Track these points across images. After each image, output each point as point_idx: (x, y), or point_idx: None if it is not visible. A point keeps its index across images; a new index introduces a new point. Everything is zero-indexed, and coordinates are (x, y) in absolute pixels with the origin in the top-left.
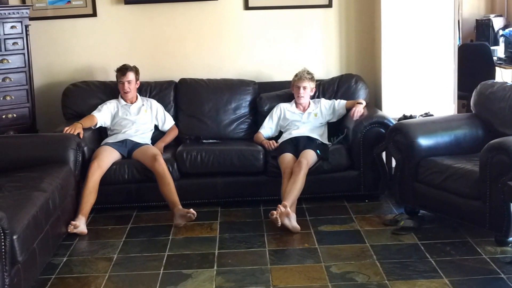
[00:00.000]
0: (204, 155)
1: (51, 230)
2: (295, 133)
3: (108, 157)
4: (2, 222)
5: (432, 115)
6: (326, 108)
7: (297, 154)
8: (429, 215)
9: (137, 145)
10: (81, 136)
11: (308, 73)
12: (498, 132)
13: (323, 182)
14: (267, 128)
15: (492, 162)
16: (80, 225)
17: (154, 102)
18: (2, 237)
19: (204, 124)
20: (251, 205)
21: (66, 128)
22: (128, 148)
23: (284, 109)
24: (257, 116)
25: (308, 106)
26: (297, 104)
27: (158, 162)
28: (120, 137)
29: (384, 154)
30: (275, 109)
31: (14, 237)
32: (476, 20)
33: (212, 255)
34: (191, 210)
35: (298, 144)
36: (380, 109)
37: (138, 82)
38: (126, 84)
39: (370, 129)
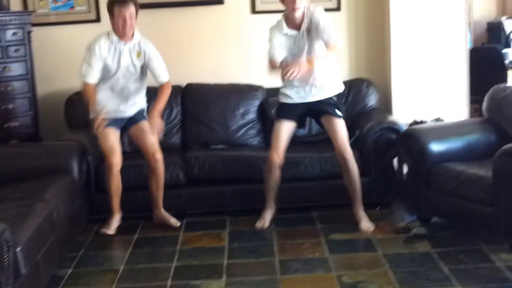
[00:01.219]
0: (213, 160)
1: (55, 242)
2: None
3: (117, 143)
4: (5, 234)
5: (443, 120)
6: (317, 28)
7: (301, 118)
8: (442, 222)
9: (132, 120)
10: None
11: None
12: (511, 137)
13: (333, 189)
14: (279, 55)
15: (506, 168)
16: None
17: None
18: (5, 249)
19: (212, 129)
20: (261, 213)
21: (97, 125)
22: (123, 124)
23: (277, 35)
24: (266, 121)
25: (302, 20)
26: (288, 21)
27: (157, 161)
28: (111, 106)
29: (395, 160)
30: (270, 35)
31: (18, 249)
32: (488, 22)
33: (221, 266)
34: (174, 220)
35: (305, 109)
36: (391, 114)
37: (136, 19)
38: (127, 17)
39: (381, 134)
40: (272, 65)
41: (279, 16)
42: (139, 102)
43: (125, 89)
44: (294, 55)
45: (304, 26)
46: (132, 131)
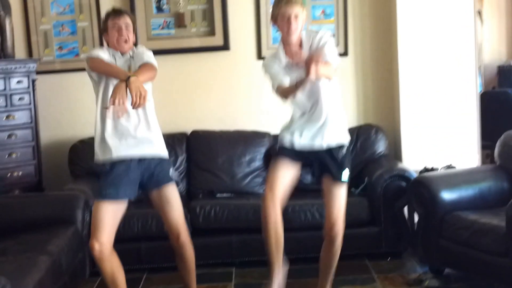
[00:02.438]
0: (218, 209)
1: None
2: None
3: (108, 220)
4: None
5: (454, 167)
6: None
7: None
8: (455, 274)
9: (154, 178)
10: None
11: None
12: None
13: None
14: (285, 78)
15: None
16: None
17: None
18: None
19: (217, 177)
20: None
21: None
22: (137, 181)
23: (274, 65)
24: None
25: (301, 46)
26: (285, 49)
27: (183, 246)
28: (113, 152)
29: (406, 208)
30: (267, 68)
31: None
32: (498, 66)
33: None
34: None
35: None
36: (401, 161)
37: (135, 35)
38: (123, 27)
39: (391, 182)
40: (285, 91)
41: None
42: (153, 138)
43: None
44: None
45: (304, 53)
46: (154, 197)
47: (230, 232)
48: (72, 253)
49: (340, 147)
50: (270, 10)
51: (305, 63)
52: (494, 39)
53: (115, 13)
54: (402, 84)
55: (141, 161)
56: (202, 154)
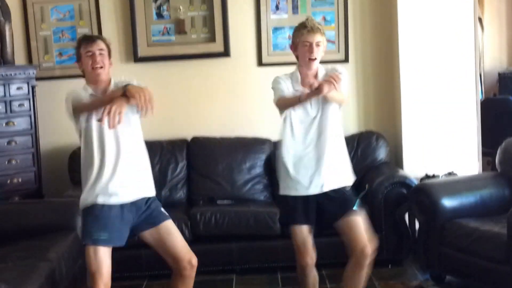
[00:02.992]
0: (219, 216)
1: None
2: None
3: (107, 264)
4: None
5: (455, 175)
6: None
7: (312, 216)
8: (457, 281)
9: (146, 220)
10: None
11: (318, 23)
12: None
13: (344, 246)
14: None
15: None
16: None
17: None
18: None
19: (218, 184)
20: (268, 271)
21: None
22: (129, 226)
23: (288, 85)
24: (273, 175)
25: (316, 77)
26: (302, 78)
27: (194, 267)
28: (108, 196)
29: (407, 215)
30: (276, 83)
31: None
32: (499, 73)
33: None
34: None
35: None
36: (402, 168)
37: (111, 61)
38: (97, 53)
39: (392, 189)
40: (286, 101)
41: (286, 69)
42: (144, 178)
43: (119, 155)
44: (301, 121)
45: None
46: (150, 235)
47: (230, 239)
48: (72, 259)
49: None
50: (271, 17)
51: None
52: (495, 46)
53: (87, 39)
54: (403, 90)
55: (133, 203)
56: (202, 161)
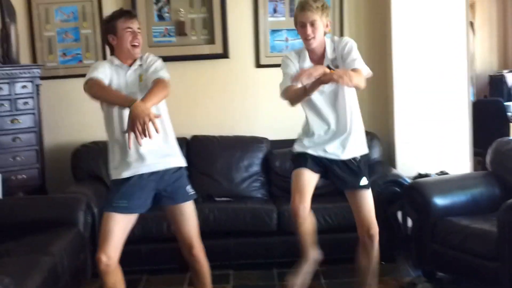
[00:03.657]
0: (217, 213)
1: None
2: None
3: (117, 233)
4: None
5: (447, 174)
6: (344, 58)
7: (323, 175)
8: (448, 278)
9: (170, 196)
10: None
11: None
12: None
13: (338, 243)
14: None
15: (511, 222)
16: None
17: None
18: None
19: (216, 181)
20: (264, 267)
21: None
22: (153, 192)
23: (296, 63)
24: (270, 173)
25: (324, 52)
26: (310, 55)
27: (198, 262)
28: (126, 169)
29: (399, 213)
30: (284, 66)
31: None
32: (490, 75)
33: None
34: None
35: (327, 169)
36: (395, 167)
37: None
38: (137, 31)
39: (385, 188)
40: (294, 94)
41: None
42: (170, 150)
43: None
44: (320, 93)
45: (326, 60)
46: (168, 210)
47: (228, 235)
48: (74, 254)
49: (360, 157)
50: (268, 19)
51: (334, 74)
52: (486, 50)
53: (129, 14)
54: (396, 92)
55: (155, 173)
56: (201, 159)
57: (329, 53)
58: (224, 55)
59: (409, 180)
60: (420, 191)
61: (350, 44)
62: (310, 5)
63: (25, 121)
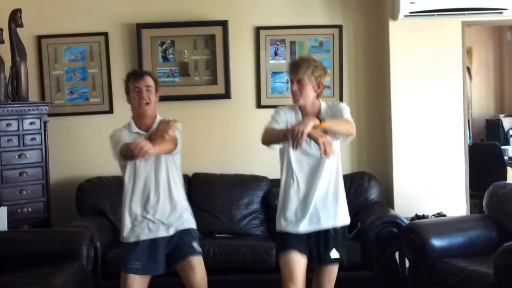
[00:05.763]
0: (217, 249)
1: None
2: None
3: None
4: None
5: (444, 215)
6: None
7: (308, 252)
8: None
9: (178, 253)
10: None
11: (308, 59)
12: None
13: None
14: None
15: (507, 265)
16: None
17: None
18: None
19: (216, 218)
20: None
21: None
22: (164, 254)
23: (288, 116)
24: (269, 211)
25: (318, 113)
26: (303, 113)
27: None
28: (140, 233)
29: (397, 254)
30: (275, 113)
31: None
32: (486, 119)
33: None
34: None
35: (309, 241)
36: (392, 208)
37: (158, 96)
38: (144, 89)
39: (383, 228)
40: (272, 134)
41: None
42: (178, 213)
43: (150, 193)
44: (302, 153)
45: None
46: (179, 266)
47: (227, 271)
48: (77, 286)
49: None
50: (270, 62)
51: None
52: (482, 94)
53: (136, 75)
54: (395, 134)
55: (166, 238)
56: (202, 196)
57: (323, 113)
58: (226, 95)
59: (406, 221)
60: (417, 232)
61: (344, 107)
62: (299, 65)
63: (32, 156)
